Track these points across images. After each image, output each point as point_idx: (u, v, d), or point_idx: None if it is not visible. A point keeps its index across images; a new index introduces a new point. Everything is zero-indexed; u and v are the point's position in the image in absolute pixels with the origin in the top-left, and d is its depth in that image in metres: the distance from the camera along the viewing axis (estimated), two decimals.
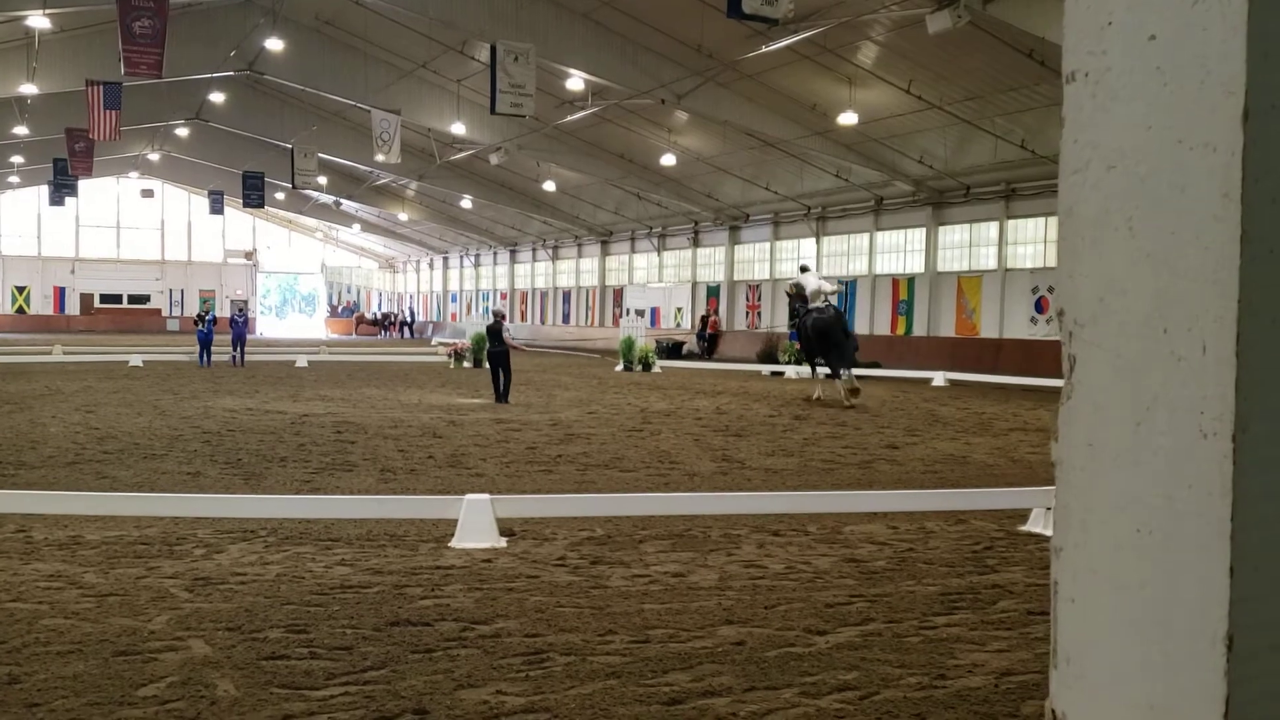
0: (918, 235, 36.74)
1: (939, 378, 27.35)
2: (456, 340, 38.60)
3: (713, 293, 47.11)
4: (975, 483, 10.92)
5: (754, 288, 44.84)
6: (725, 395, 22.62)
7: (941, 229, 35.84)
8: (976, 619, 6.09)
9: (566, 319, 59.65)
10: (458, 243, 70.70)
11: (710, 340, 43.69)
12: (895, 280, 37.61)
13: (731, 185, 42.31)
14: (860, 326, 38.23)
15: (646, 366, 31.52)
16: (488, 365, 21.73)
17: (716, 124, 34.79)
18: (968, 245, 35.06)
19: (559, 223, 55.78)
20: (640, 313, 47.77)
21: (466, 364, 31.28)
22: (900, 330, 37.29)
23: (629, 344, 31.92)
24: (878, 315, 38.31)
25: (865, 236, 39.03)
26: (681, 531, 8.34)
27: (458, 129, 37.50)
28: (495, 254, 67.50)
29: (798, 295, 22.45)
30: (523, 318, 64.18)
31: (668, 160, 38.24)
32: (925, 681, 5.01)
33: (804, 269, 24.62)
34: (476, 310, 66.97)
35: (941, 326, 35.72)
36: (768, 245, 43.98)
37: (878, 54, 28.16)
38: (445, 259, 75.67)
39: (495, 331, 20.68)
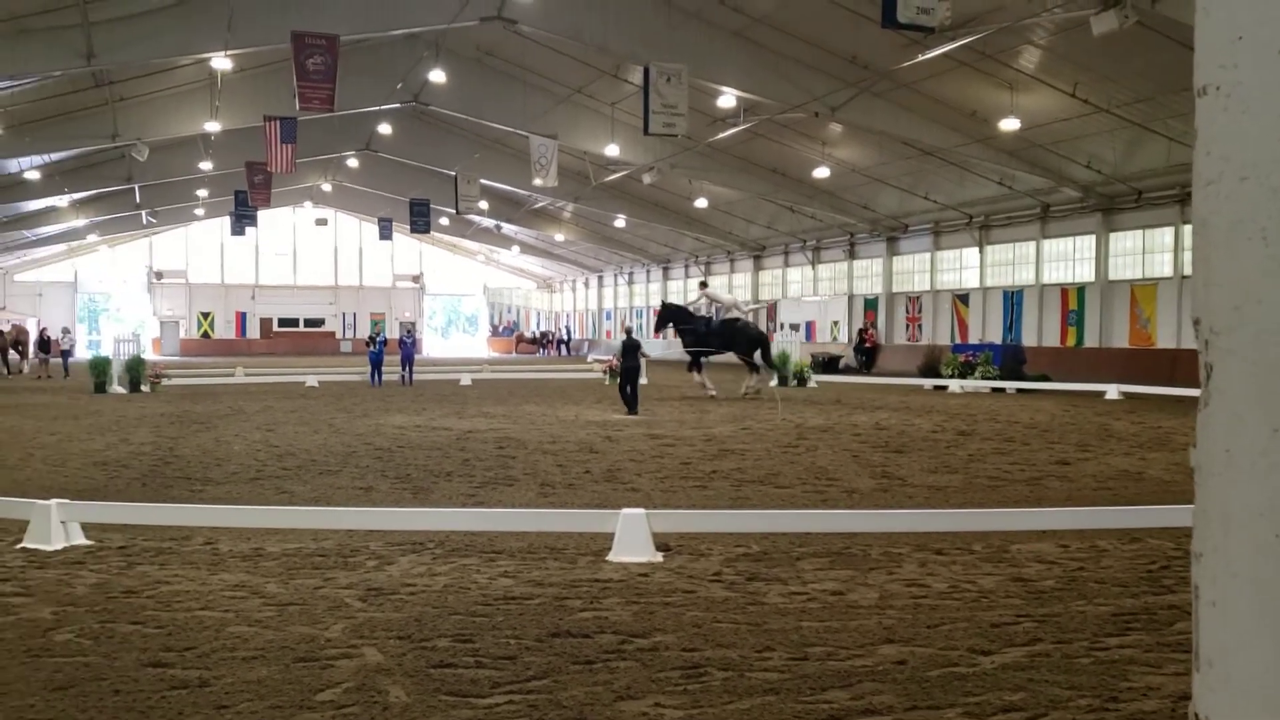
0: (1087, 242, 35.43)
1: (1112, 391, 26.30)
2: (611, 357, 39.11)
3: (870, 305, 46.41)
4: (1151, 500, 10.48)
5: (914, 299, 43.98)
6: (884, 410, 22.27)
7: (1112, 235, 34.47)
8: (1151, 640, 5.87)
9: None
10: (611, 261, 71.60)
11: (868, 354, 43.03)
12: (1064, 290, 36.35)
13: (888, 195, 41.66)
14: (1028, 338, 37.09)
15: (802, 381, 31.30)
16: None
17: (872, 134, 34.33)
18: (1141, 252, 33.61)
19: (711, 239, 55.90)
20: (795, 327, 47.41)
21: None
22: (1070, 341, 35.99)
23: (784, 359, 31.75)
24: (1046, 326, 37.06)
25: (1031, 245, 37.86)
26: (840, 549, 8.27)
27: (612, 151, 38.09)
28: (648, 271, 68.06)
29: (674, 310, 27.06)
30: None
31: (821, 173, 37.95)
32: (1096, 704, 4.87)
33: (704, 284, 28.95)
34: (629, 324, 67.61)
35: (1114, 337, 34.31)
36: (928, 256, 43.08)
37: (1040, 58, 27.34)
38: (600, 278, 76.74)
39: (630, 348, 21.38)
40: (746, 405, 23.89)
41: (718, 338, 26.09)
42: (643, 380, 32.01)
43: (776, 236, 51.94)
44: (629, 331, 22.54)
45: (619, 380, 21.60)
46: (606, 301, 75.62)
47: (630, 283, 71.30)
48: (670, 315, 27.23)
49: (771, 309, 54.10)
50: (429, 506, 10.11)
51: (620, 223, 56.70)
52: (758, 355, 26.44)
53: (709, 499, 10.73)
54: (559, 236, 65.17)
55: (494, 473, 12.59)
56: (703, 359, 26.88)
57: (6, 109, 33.66)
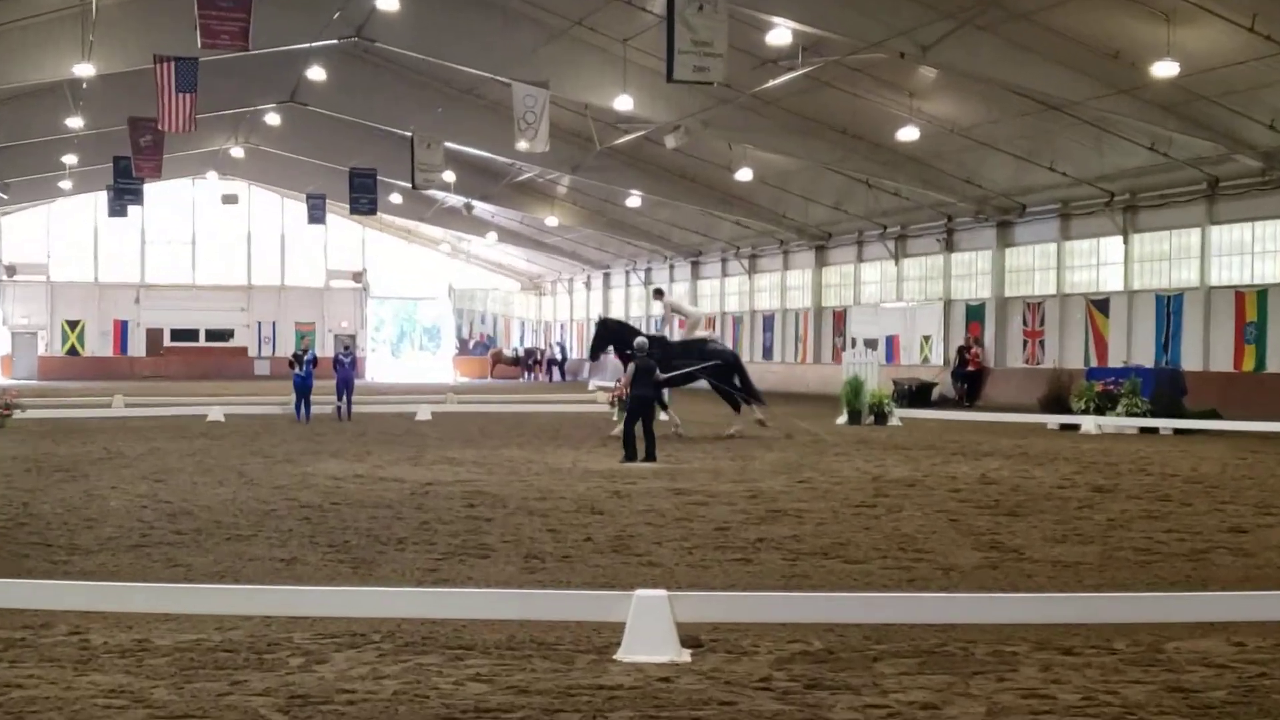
0: (1271, 230, 35.37)
1: None
2: (617, 383, 39.09)
3: (974, 314, 46.39)
4: None
5: (1034, 306, 43.95)
6: (994, 458, 22.23)
7: None
8: None
9: (769, 352, 59.64)
10: (622, 253, 71.79)
11: (971, 381, 42.96)
12: (1239, 294, 36.25)
13: (999, 165, 41.68)
14: (1189, 359, 36.98)
15: (881, 418, 31.22)
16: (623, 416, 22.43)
17: (977, 83, 34.37)
18: None
19: (758, 223, 55.97)
20: (871, 343, 47.37)
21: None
22: (1247, 365, 35.87)
23: (856, 387, 31.67)
24: (1214, 343, 36.94)
25: (1194, 233, 37.82)
26: (933, 647, 8.26)
27: (624, 104, 38.21)
28: (672, 266, 68.26)
29: (616, 328, 28.93)
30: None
31: (908, 134, 37.94)
32: None
33: (661, 292, 30.73)
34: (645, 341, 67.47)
35: None
36: (1053, 247, 43.04)
37: None
38: (606, 275, 76.91)
39: (644, 371, 21.39)
40: (805, 449, 23.87)
41: (682, 366, 26.93)
42: (662, 416, 31.95)
43: (847, 220, 51.96)
44: (643, 349, 22.52)
45: (627, 415, 21.51)
46: (615, 307, 75.86)
47: (647, 282, 71.49)
48: (610, 336, 28.23)
49: (840, 318, 54.15)
50: (373, 585, 10.13)
51: (634, 201, 56.84)
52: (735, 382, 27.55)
53: (754, 577, 10.72)
54: (551, 220, 65.39)
55: (461, 540, 12.61)
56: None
57: None
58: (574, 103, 41.55)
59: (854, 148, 42.31)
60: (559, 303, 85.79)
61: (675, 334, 31.60)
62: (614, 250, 71.81)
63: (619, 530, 13.32)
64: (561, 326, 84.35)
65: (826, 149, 42.73)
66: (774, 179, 49.50)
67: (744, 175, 47.14)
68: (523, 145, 37.99)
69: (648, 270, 71.29)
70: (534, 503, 15.61)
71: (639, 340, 24.27)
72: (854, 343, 48.85)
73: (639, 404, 21.23)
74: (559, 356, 78.04)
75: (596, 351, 29.12)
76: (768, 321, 60.12)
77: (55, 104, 43.72)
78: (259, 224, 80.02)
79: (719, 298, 64.41)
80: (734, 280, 63.31)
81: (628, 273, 73.83)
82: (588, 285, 79.96)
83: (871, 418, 31.26)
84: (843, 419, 31.48)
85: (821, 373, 51.60)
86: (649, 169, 51.86)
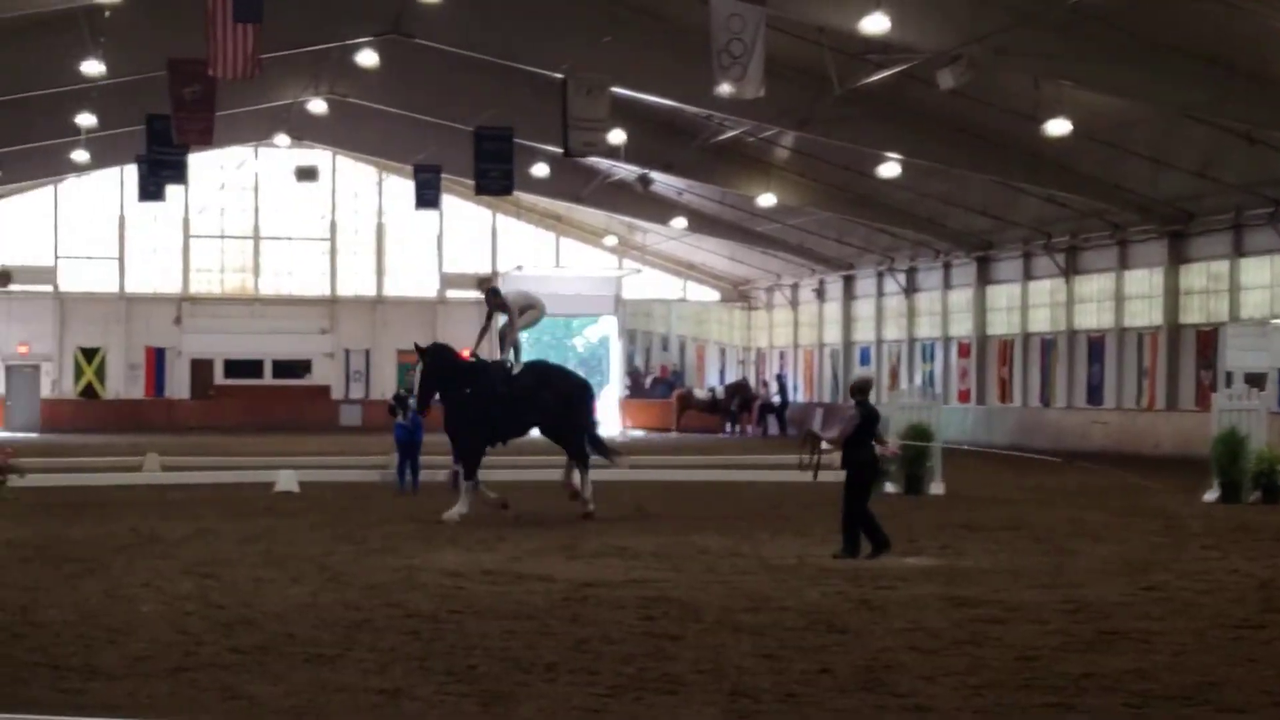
0: None
1: None
2: (823, 431, 38.71)
3: None
4: None
5: None
6: None
7: None
8: None
9: (1095, 394, 58.35)
10: (873, 246, 71.02)
11: None
12: None
13: None
14: None
15: (1273, 492, 30.50)
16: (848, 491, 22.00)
17: None
18: None
19: (1078, 199, 54.86)
20: (1258, 380, 46.14)
21: (891, 485, 31.40)
22: None
23: (1233, 446, 30.92)
24: None
25: None
26: None
27: (877, 25, 37.85)
28: (948, 265, 67.33)
29: (443, 358, 29.26)
30: (1002, 393, 63.41)
31: None
32: None
33: (495, 292, 32.76)
34: (909, 375, 66.89)
35: None
36: None
37: None
38: (848, 280, 76.19)
39: (868, 420, 21.30)
40: (1154, 539, 23.51)
41: (528, 403, 27.72)
42: (937, 489, 31.75)
43: (1217, 194, 50.47)
44: (863, 387, 22.17)
45: (846, 489, 21.14)
46: (862, 328, 75.29)
47: (910, 289, 70.86)
48: (443, 372, 28.17)
49: (1207, 341, 52.71)
50: None
51: (891, 169, 56.25)
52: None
53: None
54: (766, 199, 65.07)
55: (637, 667, 12.66)
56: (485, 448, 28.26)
57: None
58: (802, 25, 41.43)
59: (1228, 83, 41.14)
60: (776, 320, 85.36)
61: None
62: (860, 242, 71.18)
63: (870, 657, 13.25)
64: (781, 355, 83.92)
65: (1185, 86, 41.65)
66: (1105, 133, 48.53)
67: (1058, 128, 46.37)
68: (726, 89, 37.98)
69: (909, 272, 70.42)
70: (742, 615, 15.63)
71: (862, 374, 23.78)
72: (1230, 379, 47.65)
73: (863, 472, 21.02)
74: (776, 399, 77.52)
75: (426, 397, 28.33)
76: (1095, 348, 58.60)
77: (67, 42, 44.35)
78: (347, 209, 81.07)
79: (1020, 311, 63.06)
80: (1043, 285, 61.83)
81: (880, 275, 72.94)
82: (819, 294, 79.21)
83: (1258, 492, 30.59)
84: (1213, 494, 30.86)
85: (1179, 424, 50.46)
86: (913, 122, 51.26)
